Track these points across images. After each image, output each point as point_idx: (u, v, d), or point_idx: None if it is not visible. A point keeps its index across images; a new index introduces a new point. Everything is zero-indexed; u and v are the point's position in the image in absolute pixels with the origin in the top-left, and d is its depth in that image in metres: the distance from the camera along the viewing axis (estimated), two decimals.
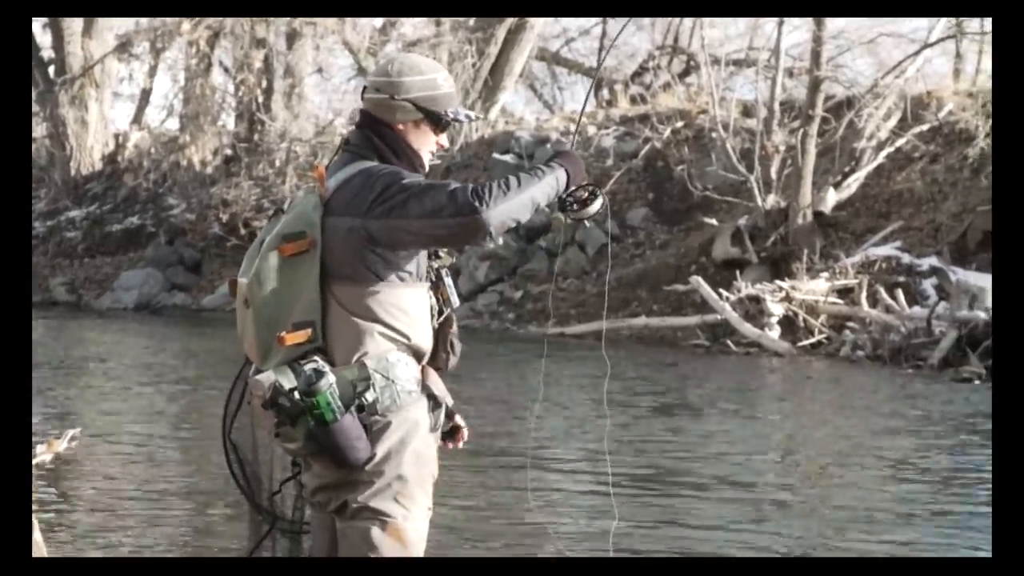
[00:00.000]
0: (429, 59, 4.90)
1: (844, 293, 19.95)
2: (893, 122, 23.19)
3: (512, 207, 4.36)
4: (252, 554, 5.10)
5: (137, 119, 37.05)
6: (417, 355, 4.64)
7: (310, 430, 4.43)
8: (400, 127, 4.63)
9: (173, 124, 35.78)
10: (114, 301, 28.56)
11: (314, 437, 4.44)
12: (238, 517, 7.33)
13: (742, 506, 8.88)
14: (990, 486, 9.55)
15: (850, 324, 19.32)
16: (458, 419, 4.90)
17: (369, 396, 4.48)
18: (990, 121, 22.33)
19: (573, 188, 4.52)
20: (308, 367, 4.45)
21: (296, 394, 4.41)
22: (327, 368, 4.45)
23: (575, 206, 4.52)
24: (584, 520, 8.33)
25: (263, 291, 4.53)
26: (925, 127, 23.27)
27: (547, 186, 4.46)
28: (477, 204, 4.31)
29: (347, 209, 4.51)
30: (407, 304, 4.60)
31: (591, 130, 27.26)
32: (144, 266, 29.52)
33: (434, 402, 4.63)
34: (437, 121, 4.64)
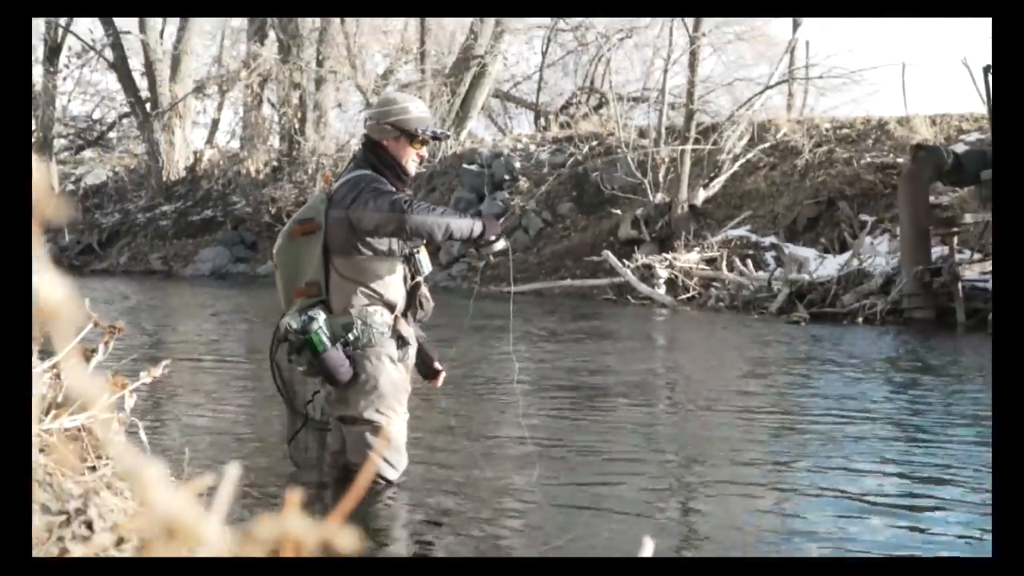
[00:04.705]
0: (406, 94, 4.84)
1: (710, 262, 19.89)
2: (745, 141, 23.11)
3: (428, 222, 4.31)
4: (288, 443, 5.03)
5: (210, 140, 36.80)
6: (390, 307, 4.60)
7: (309, 358, 4.44)
8: (385, 143, 4.56)
9: (235, 144, 35.49)
10: (195, 270, 28.38)
11: (312, 363, 4.44)
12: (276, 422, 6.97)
13: (642, 411, 7.70)
14: (814, 424, 7.69)
15: (714, 284, 19.22)
16: (437, 364, 4.88)
17: (351, 335, 4.48)
18: (812, 140, 22.39)
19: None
20: (308, 314, 4.44)
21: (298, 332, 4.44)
22: (319, 315, 4.45)
23: (484, 245, 4.54)
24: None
25: (285, 260, 4.54)
26: (767, 144, 23.22)
27: (464, 225, 4.43)
28: (405, 207, 4.27)
29: (340, 203, 4.48)
30: (382, 271, 4.55)
31: (532, 148, 27.13)
32: (216, 245, 29.31)
33: (402, 340, 4.61)
34: (412, 137, 4.55)
